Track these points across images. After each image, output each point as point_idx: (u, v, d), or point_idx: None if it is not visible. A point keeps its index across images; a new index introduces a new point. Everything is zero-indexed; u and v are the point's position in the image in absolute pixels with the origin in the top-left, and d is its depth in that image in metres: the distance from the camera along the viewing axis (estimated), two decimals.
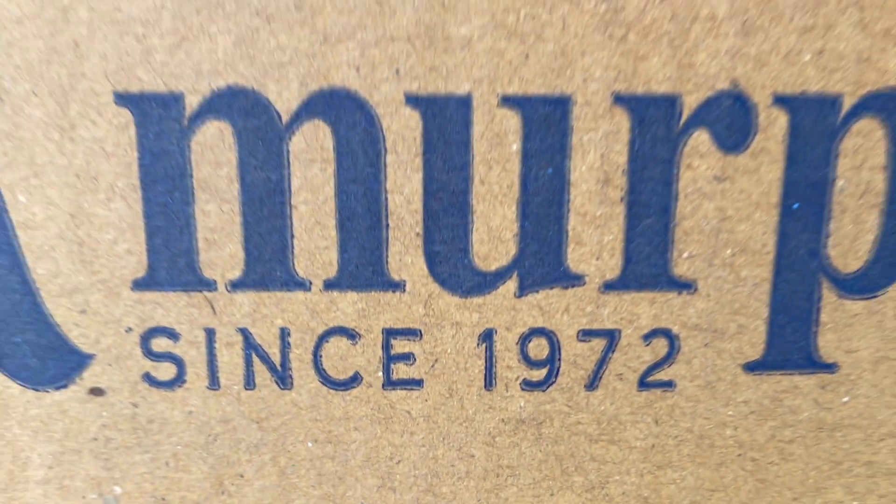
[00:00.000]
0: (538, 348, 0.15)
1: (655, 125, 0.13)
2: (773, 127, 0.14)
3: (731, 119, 0.13)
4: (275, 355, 0.15)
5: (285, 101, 0.13)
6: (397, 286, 0.14)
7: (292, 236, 0.14)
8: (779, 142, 0.14)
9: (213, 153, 0.13)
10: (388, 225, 0.14)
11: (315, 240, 0.14)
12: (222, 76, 0.13)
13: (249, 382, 0.15)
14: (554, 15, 0.13)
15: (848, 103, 0.14)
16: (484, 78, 0.13)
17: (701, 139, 0.13)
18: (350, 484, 0.16)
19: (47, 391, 0.15)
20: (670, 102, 0.13)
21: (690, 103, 0.13)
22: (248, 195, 0.14)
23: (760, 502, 0.15)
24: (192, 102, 0.13)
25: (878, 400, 0.15)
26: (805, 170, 0.14)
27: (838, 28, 0.13)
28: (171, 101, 0.13)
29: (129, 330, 0.15)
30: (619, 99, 0.13)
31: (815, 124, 0.13)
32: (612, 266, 0.14)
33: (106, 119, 0.13)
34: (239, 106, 0.13)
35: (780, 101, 0.14)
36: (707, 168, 0.14)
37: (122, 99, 0.13)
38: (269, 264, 0.14)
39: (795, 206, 0.14)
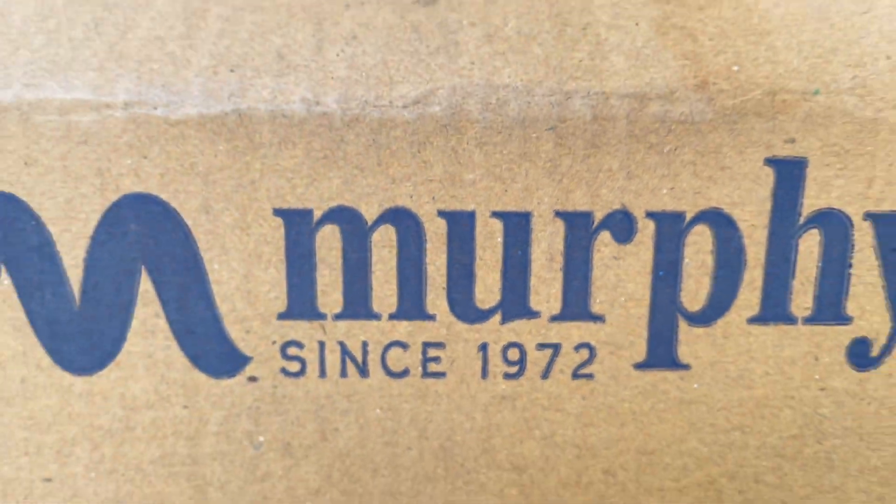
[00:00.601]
0: (513, 354, 0.22)
1: (579, 228, 0.21)
2: (647, 230, 0.21)
3: (622, 225, 0.21)
4: (359, 357, 0.22)
5: (370, 214, 0.20)
6: (432, 318, 0.21)
7: (371, 289, 0.21)
8: (650, 238, 0.21)
9: (328, 242, 0.21)
10: (426, 282, 0.21)
11: (384, 291, 0.21)
12: (335, 200, 0.20)
13: (343, 374, 0.22)
14: (521, 168, 0.20)
15: (689, 217, 0.21)
16: (482, 202, 0.20)
17: (605, 236, 0.21)
18: (401, 434, 0.23)
19: (223, 379, 0.22)
20: (588, 216, 0.21)
21: (599, 216, 0.21)
22: (347, 266, 0.21)
23: (646, 447, 0.23)
24: (317, 215, 0.20)
25: (714, 386, 0.22)
26: (665, 253, 0.21)
27: (681, 176, 0.21)
28: (306, 214, 0.20)
29: (274, 342, 0.22)
30: (558, 213, 0.21)
31: (671, 228, 0.21)
32: (555, 307, 0.21)
33: (268, 223, 0.21)
34: (343, 216, 0.20)
35: (650, 215, 0.21)
36: (609, 251, 0.21)
37: (278, 212, 0.20)
38: (357, 305, 0.21)
39: (661, 273, 0.21)
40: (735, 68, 0.20)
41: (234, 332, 0.22)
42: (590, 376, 0.22)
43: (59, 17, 0.22)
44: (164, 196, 0.21)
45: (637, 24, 0.21)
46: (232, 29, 0.21)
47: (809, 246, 0.21)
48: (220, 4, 0.22)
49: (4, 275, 0.22)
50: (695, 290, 0.22)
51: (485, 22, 0.21)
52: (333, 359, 0.22)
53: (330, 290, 0.22)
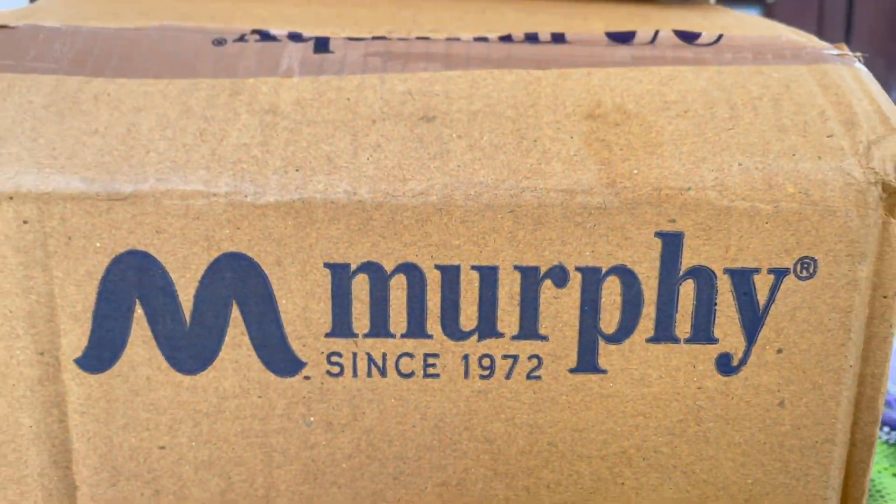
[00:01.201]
0: (486, 362, 0.28)
1: (530, 278, 0.27)
2: (576, 279, 0.27)
3: (559, 276, 0.27)
4: (380, 364, 0.28)
5: (389, 267, 0.27)
6: (430, 336, 0.27)
7: (389, 317, 0.28)
8: (578, 284, 0.27)
9: (360, 286, 0.28)
10: (427, 313, 0.27)
11: (398, 318, 0.28)
12: (365, 258, 0.29)
13: (369, 375, 0.28)
14: (490, 238, 0.29)
15: (604, 270, 0.27)
16: (465, 259, 0.27)
17: (548, 282, 0.27)
18: (409, 417, 0.29)
19: (286, 377, 0.28)
20: (536, 269, 0.27)
21: (543, 270, 0.27)
22: (372, 302, 0.27)
23: (578, 426, 0.29)
24: (353, 267, 0.27)
25: (624, 385, 0.28)
26: (589, 294, 0.28)
27: (598, 243, 0.31)
28: (345, 266, 0.27)
29: (322, 353, 0.28)
30: (516, 267, 0.27)
31: (592, 278, 0.27)
32: (515, 330, 0.27)
33: (320, 273, 0.27)
34: (371, 269, 0.27)
35: (578, 269, 0.27)
36: (550, 293, 0.27)
37: (327, 265, 0.30)
38: (379, 328, 0.28)
39: (586, 308, 0.27)
40: (635, 171, 0.28)
41: (295, 345, 0.28)
42: (538, 377, 0.29)
43: (173, 128, 0.31)
44: (250, 254, 0.27)
45: (572, 138, 0.31)
46: (294, 139, 0.31)
47: (687, 290, 0.28)
48: (285, 119, 0.31)
49: (139, 306, 0.31)
50: (609, 319, 0.28)
51: (468, 136, 0.30)
52: (362, 364, 0.29)
53: (361, 317, 0.28)
